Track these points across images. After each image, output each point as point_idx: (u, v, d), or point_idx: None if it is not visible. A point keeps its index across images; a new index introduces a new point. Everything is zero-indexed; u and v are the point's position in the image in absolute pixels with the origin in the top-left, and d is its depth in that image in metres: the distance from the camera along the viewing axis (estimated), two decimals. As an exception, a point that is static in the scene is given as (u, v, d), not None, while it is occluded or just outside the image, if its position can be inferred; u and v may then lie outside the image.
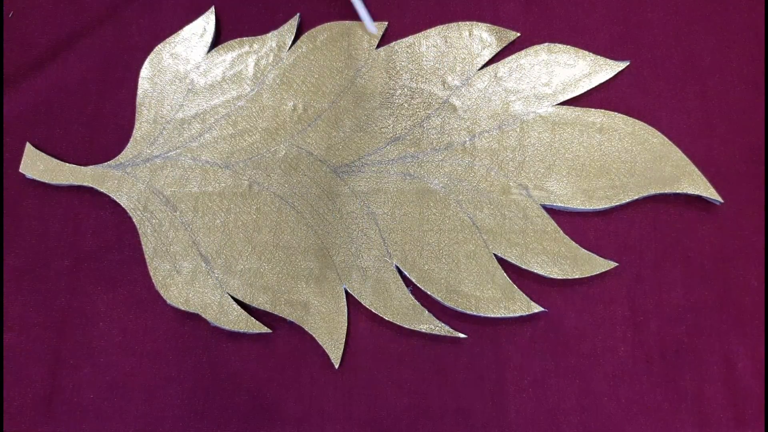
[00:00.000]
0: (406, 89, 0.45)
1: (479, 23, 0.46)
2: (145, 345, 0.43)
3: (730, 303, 0.42)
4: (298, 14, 0.47)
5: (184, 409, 0.41)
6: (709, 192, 0.42)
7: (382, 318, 0.42)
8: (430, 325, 0.41)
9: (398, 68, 0.46)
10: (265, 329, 0.42)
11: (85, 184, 0.44)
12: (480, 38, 0.46)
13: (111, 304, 0.43)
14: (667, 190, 0.43)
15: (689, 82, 0.46)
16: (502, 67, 0.45)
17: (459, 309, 0.41)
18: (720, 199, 0.42)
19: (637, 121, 0.44)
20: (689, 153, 0.43)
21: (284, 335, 0.42)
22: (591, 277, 0.42)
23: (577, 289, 0.42)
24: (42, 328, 0.43)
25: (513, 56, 0.45)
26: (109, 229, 0.45)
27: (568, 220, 0.43)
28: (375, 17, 0.47)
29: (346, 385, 0.41)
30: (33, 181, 0.45)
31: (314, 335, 0.41)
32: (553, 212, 0.43)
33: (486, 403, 0.41)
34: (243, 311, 0.42)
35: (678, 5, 0.47)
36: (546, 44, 0.45)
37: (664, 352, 0.41)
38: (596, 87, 0.45)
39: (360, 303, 0.42)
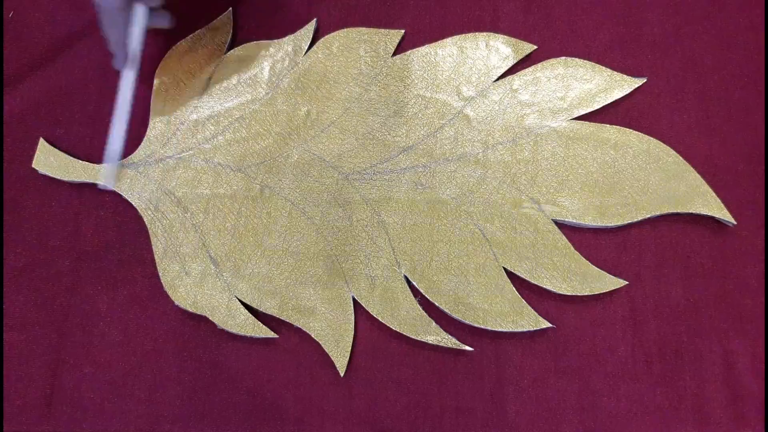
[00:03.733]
0: (420, 98, 0.45)
1: (496, 34, 0.46)
2: (145, 345, 0.43)
3: (730, 302, 0.42)
4: (314, 19, 0.47)
5: (185, 408, 0.42)
6: (723, 213, 0.42)
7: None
8: (437, 336, 0.41)
9: (413, 77, 0.46)
10: (272, 334, 0.42)
11: (98, 182, 0.44)
12: (496, 50, 0.46)
13: (111, 303, 0.43)
14: (680, 210, 0.42)
15: (689, 82, 0.45)
16: (518, 79, 0.45)
17: (466, 321, 0.41)
18: (733, 221, 0.42)
19: (651, 138, 0.44)
20: (689, 153, 0.43)
21: (285, 335, 0.42)
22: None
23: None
24: (42, 327, 0.43)
25: (529, 69, 0.45)
26: (110, 229, 0.45)
27: (578, 234, 0.43)
28: (392, 24, 0.47)
29: (346, 384, 0.41)
30: (34, 180, 0.45)
31: (320, 342, 0.41)
32: (564, 227, 0.43)
33: (486, 402, 0.41)
34: (250, 315, 0.42)
35: (678, 5, 0.47)
36: (563, 58, 0.45)
37: (664, 351, 0.41)
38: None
39: (362, 304, 0.42)
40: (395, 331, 0.42)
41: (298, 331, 0.42)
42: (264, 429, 0.41)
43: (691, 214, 0.43)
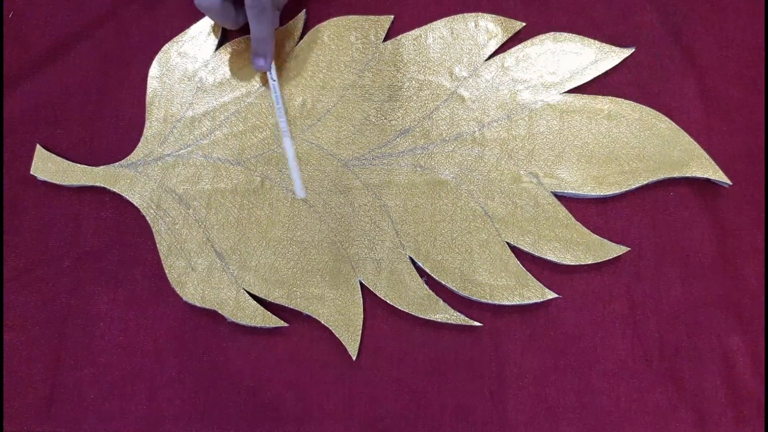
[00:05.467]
0: (414, 81, 0.46)
1: (485, 14, 0.46)
2: (145, 345, 0.43)
3: (730, 301, 0.42)
4: (304, 10, 0.47)
5: (185, 408, 0.42)
6: (718, 175, 0.43)
7: (381, 317, 0.42)
8: (445, 314, 0.41)
9: (405, 61, 0.46)
10: (281, 323, 0.42)
11: (97, 184, 0.45)
12: (486, 29, 0.46)
13: (112, 304, 0.43)
14: (676, 174, 0.43)
15: (689, 80, 0.46)
16: (509, 57, 0.46)
17: (474, 298, 0.42)
18: (729, 182, 0.43)
19: (644, 107, 0.44)
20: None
21: (285, 335, 0.43)
22: (590, 274, 0.42)
23: (576, 287, 0.42)
24: (42, 327, 0.43)
25: (519, 46, 0.46)
26: (110, 229, 0.45)
27: (578, 207, 0.44)
28: (380, 11, 0.47)
29: (346, 383, 0.42)
30: (33, 180, 0.45)
31: (331, 328, 0.42)
32: (563, 200, 0.43)
33: (486, 400, 0.41)
34: (259, 306, 0.42)
35: (677, 2, 0.47)
36: (551, 33, 0.46)
37: (664, 350, 0.41)
38: (602, 77, 0.45)
39: (369, 287, 0.42)
40: (395, 330, 0.42)
41: (299, 330, 0.42)
42: (264, 428, 0.41)
43: (688, 178, 0.43)
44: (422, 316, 0.42)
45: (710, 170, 0.43)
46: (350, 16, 0.47)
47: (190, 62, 0.47)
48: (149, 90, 0.46)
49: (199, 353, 0.42)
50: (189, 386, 0.42)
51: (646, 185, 0.43)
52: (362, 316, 0.42)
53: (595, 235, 0.42)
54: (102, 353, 0.43)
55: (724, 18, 0.47)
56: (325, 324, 0.42)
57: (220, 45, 0.47)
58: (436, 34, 0.46)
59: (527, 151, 0.44)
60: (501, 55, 0.46)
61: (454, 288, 0.42)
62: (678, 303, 0.42)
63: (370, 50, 0.46)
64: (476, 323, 0.41)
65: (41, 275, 0.44)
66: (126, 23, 0.48)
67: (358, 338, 0.42)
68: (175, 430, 0.41)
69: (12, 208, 0.45)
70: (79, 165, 0.45)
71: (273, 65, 0.44)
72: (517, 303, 0.41)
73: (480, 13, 0.46)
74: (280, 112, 0.44)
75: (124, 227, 0.45)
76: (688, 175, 0.43)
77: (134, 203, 0.44)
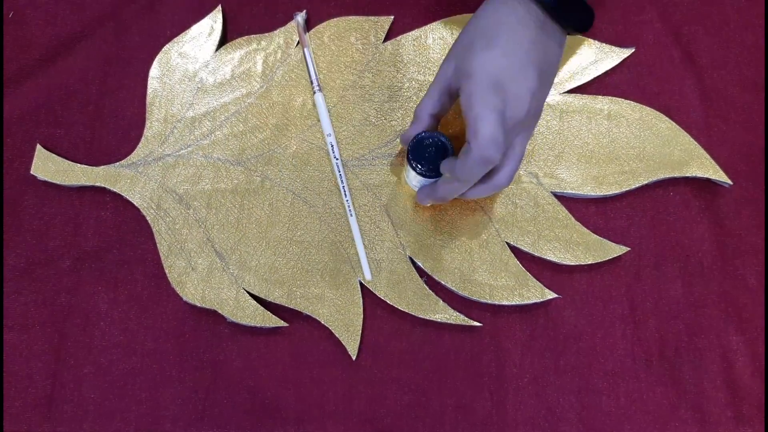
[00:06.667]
0: (414, 82, 0.46)
1: (484, 15, 0.46)
2: (145, 344, 0.43)
3: (729, 301, 0.42)
4: (304, 11, 0.47)
5: (185, 408, 0.42)
6: (718, 175, 0.43)
7: (381, 317, 0.42)
8: (445, 314, 0.41)
9: (405, 61, 0.46)
10: (281, 323, 0.42)
11: (98, 184, 0.45)
12: (486, 29, 0.46)
13: (112, 303, 0.43)
14: (676, 174, 0.43)
15: (689, 79, 0.46)
16: (509, 57, 0.46)
17: (474, 298, 0.42)
18: (729, 181, 0.43)
19: (644, 107, 0.44)
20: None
21: (285, 335, 0.43)
22: (590, 274, 0.43)
23: (576, 287, 0.42)
24: (43, 327, 0.43)
25: (519, 46, 0.46)
26: (110, 229, 0.45)
27: (578, 207, 0.44)
28: (380, 12, 0.47)
29: (346, 383, 0.42)
30: (33, 180, 0.45)
31: (331, 328, 0.42)
32: (563, 199, 0.43)
33: (485, 400, 0.41)
34: (259, 306, 0.42)
35: (677, 2, 0.47)
36: (551, 33, 0.46)
37: (664, 350, 0.41)
38: (602, 77, 0.45)
39: (369, 287, 0.42)
40: (395, 330, 0.42)
41: (299, 330, 0.42)
42: (265, 428, 0.41)
43: (688, 178, 0.43)
44: (422, 316, 0.42)
45: (710, 170, 0.43)
46: (350, 17, 0.47)
47: (191, 63, 0.47)
48: (150, 90, 0.46)
49: (199, 353, 0.42)
50: (189, 386, 0.42)
51: (646, 185, 0.43)
52: (362, 316, 0.42)
53: (595, 235, 0.42)
54: (102, 353, 0.43)
55: (724, 18, 0.47)
56: (325, 324, 0.42)
57: (220, 46, 0.47)
58: (436, 34, 0.46)
59: (527, 151, 0.44)
60: (501, 56, 0.46)
61: (453, 288, 0.42)
62: (678, 303, 0.42)
63: (370, 51, 0.46)
64: (476, 323, 0.41)
65: (41, 275, 0.44)
66: (126, 23, 0.48)
67: (358, 338, 0.42)
68: (175, 430, 0.41)
69: (12, 208, 0.45)
70: (79, 165, 0.45)
71: (333, 138, 0.44)
72: (517, 303, 0.41)
73: (480, 14, 0.46)
74: (345, 191, 0.43)
75: (124, 227, 0.45)
76: (688, 175, 0.43)
77: (134, 203, 0.44)
